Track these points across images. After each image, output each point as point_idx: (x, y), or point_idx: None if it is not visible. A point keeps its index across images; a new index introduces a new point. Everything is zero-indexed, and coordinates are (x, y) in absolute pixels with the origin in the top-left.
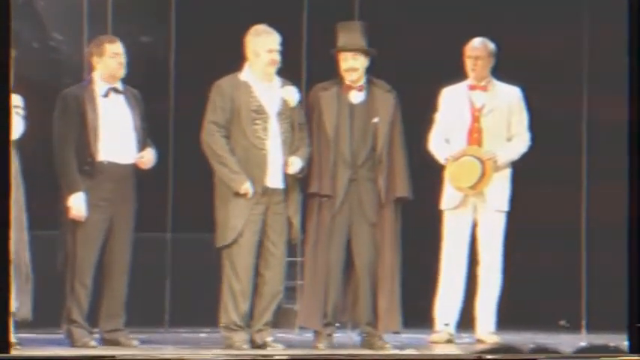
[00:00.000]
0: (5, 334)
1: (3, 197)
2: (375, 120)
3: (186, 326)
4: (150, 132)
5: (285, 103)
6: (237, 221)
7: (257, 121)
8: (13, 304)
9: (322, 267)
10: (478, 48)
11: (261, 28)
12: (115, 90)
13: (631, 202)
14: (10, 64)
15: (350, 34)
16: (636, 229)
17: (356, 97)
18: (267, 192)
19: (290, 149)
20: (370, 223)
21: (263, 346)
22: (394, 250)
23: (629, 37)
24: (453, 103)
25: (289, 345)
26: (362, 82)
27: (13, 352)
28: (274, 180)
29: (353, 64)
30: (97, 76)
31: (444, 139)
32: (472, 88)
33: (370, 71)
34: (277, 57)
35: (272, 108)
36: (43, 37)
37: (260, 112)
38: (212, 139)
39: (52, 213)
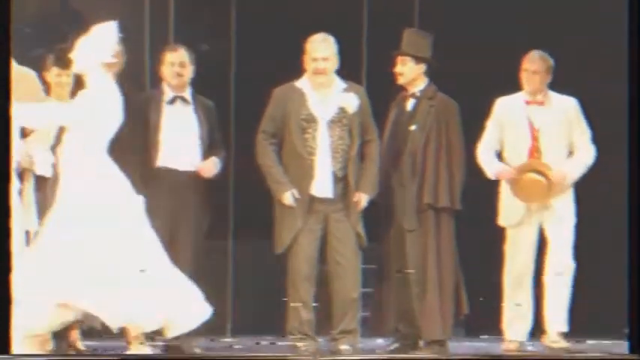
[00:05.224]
0: (6, 334)
1: (3, 200)
2: (412, 128)
3: (248, 334)
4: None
5: (342, 110)
6: (286, 234)
7: (308, 130)
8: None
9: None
10: (536, 62)
11: (316, 36)
12: (183, 99)
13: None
14: (10, 64)
15: (406, 39)
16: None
17: (409, 104)
18: (320, 201)
19: (345, 157)
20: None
21: (336, 353)
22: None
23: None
24: (509, 120)
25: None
26: (415, 89)
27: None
28: (322, 189)
29: (399, 69)
30: (165, 83)
31: (495, 150)
32: (528, 103)
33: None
34: (322, 65)
35: (324, 116)
36: None
37: (310, 120)
38: (260, 148)
39: None
